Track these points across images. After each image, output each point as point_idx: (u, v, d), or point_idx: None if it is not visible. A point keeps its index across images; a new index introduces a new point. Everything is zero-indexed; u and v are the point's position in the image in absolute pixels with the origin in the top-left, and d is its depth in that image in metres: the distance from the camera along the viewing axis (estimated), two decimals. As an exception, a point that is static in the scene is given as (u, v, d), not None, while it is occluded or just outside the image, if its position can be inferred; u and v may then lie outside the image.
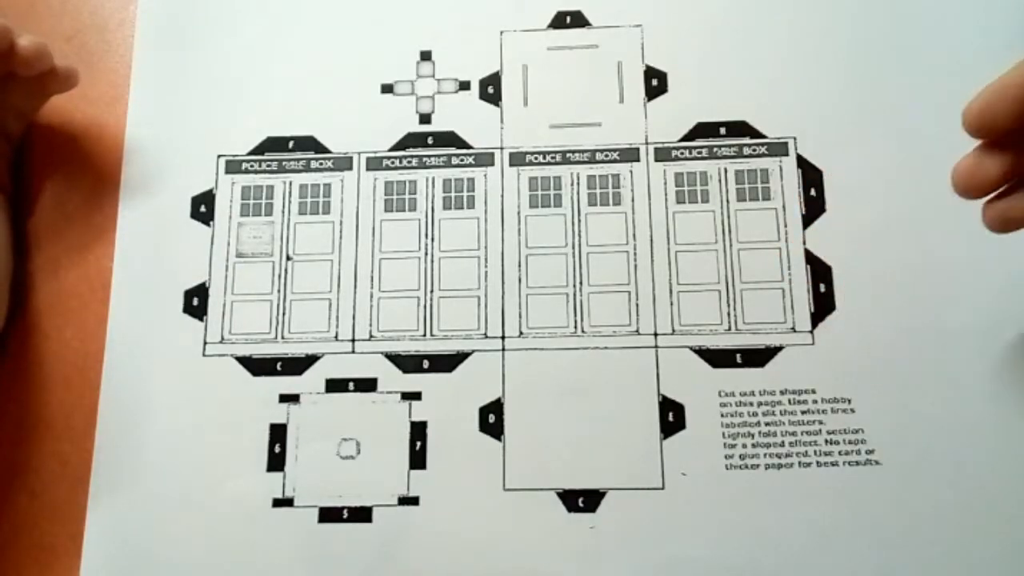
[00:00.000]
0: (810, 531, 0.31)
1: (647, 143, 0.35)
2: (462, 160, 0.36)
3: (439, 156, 0.36)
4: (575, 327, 0.34)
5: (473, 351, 0.34)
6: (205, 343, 0.34)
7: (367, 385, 0.34)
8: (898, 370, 0.32)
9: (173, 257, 0.35)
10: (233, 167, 0.36)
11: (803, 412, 0.32)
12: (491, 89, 0.36)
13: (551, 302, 0.34)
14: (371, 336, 0.34)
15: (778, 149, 0.35)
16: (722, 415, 0.32)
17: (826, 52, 0.36)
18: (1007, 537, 0.31)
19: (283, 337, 0.34)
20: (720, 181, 0.35)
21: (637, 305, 0.34)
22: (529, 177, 0.35)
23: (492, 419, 0.33)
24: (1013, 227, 0.27)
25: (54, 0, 0.38)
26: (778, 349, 0.33)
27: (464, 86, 0.37)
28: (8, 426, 0.34)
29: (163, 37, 0.38)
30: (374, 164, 0.36)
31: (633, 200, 0.35)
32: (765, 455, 0.32)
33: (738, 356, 0.33)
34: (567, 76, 0.36)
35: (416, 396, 0.33)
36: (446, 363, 0.34)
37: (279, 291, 0.35)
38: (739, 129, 0.35)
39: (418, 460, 0.33)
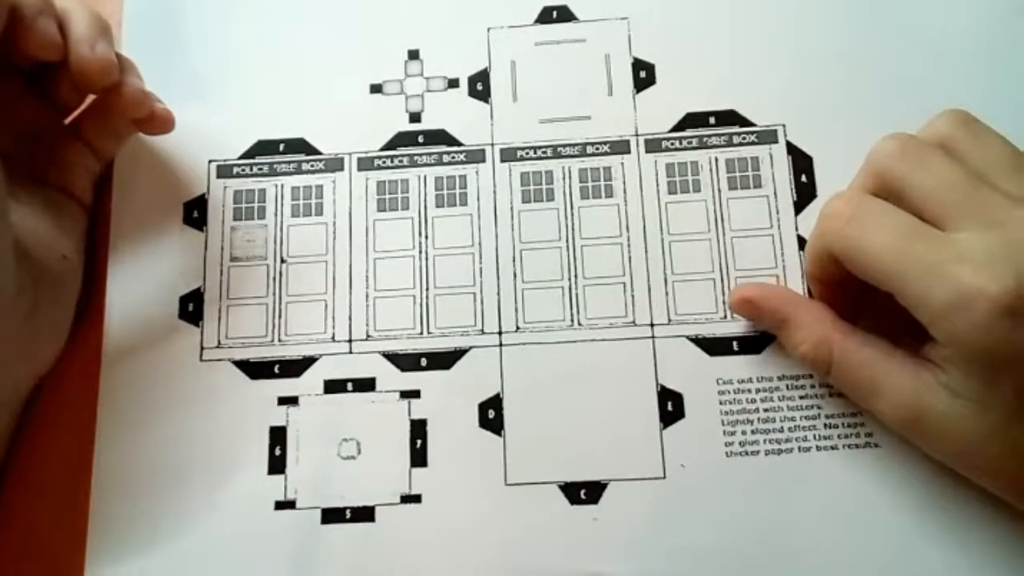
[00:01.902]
0: (811, 515, 0.31)
1: (637, 135, 0.36)
2: (453, 157, 0.36)
3: (430, 154, 0.36)
4: (571, 320, 0.34)
5: (471, 347, 0.34)
6: (202, 348, 0.34)
7: (365, 385, 0.34)
8: (894, 352, 0.32)
9: (167, 263, 0.35)
10: (224, 171, 0.36)
11: (801, 397, 0.32)
12: (480, 86, 0.37)
13: (547, 296, 0.34)
14: (368, 336, 0.34)
15: (768, 137, 0.35)
16: (721, 403, 0.33)
17: (813, 39, 0.36)
18: (1006, 520, 0.31)
19: (280, 340, 0.34)
20: (711, 170, 0.35)
21: (632, 296, 0.34)
22: (521, 172, 0.35)
23: (492, 414, 0.33)
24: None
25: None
26: (774, 335, 0.33)
27: (453, 84, 0.37)
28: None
29: (150, 43, 0.38)
30: (365, 164, 0.36)
31: (625, 192, 0.35)
32: (765, 441, 0.32)
33: (735, 344, 0.33)
34: (555, 71, 0.36)
35: (415, 394, 0.33)
36: (444, 360, 0.34)
37: (274, 294, 0.35)
38: (728, 118, 0.35)
39: (419, 458, 0.33)
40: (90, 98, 0.35)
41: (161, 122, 0.34)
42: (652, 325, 0.34)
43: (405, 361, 0.34)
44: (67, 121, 0.35)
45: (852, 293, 0.30)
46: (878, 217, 0.28)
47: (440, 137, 0.36)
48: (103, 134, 0.35)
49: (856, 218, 0.28)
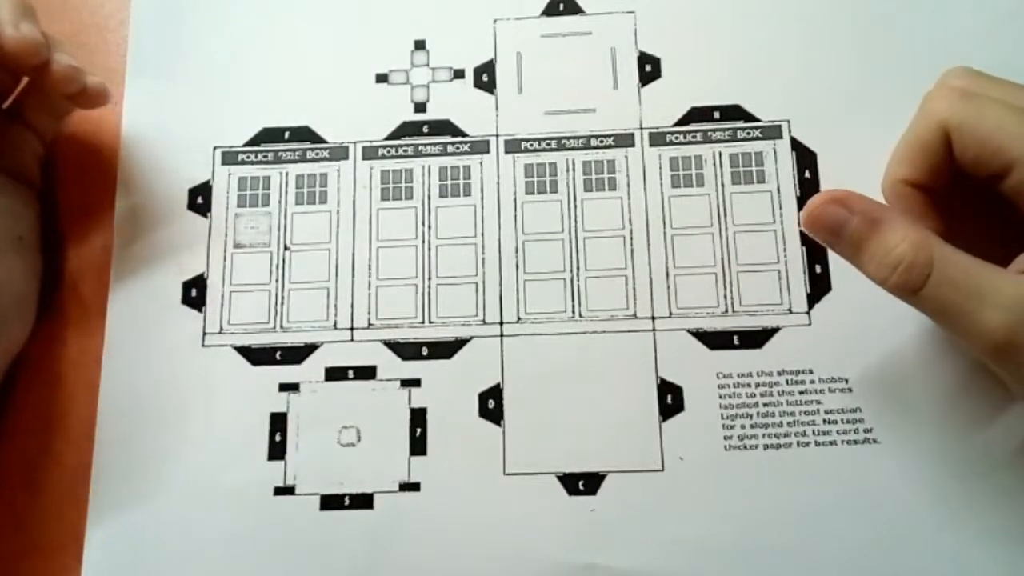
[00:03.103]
0: (809, 511, 0.31)
1: (642, 128, 0.36)
2: (458, 148, 0.36)
3: (435, 144, 0.36)
4: (573, 312, 0.34)
5: (472, 337, 0.34)
6: (204, 334, 0.34)
7: (366, 373, 0.34)
8: (895, 349, 0.32)
9: (171, 249, 0.35)
10: (229, 158, 0.36)
11: (800, 392, 0.32)
12: (485, 77, 0.37)
13: (549, 287, 0.34)
14: (370, 324, 0.34)
15: (772, 132, 0.35)
16: (720, 396, 0.33)
17: (819, 34, 0.36)
18: (1006, 514, 0.31)
19: (282, 327, 0.34)
20: (715, 165, 0.35)
21: (634, 289, 0.34)
22: (525, 164, 0.36)
23: (492, 404, 0.33)
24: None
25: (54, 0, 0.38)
26: (775, 330, 0.33)
27: (458, 74, 0.37)
28: (7, 424, 0.34)
29: (157, 30, 0.38)
30: (370, 153, 0.36)
31: (629, 185, 0.35)
32: (764, 435, 0.32)
33: (735, 338, 0.33)
34: (561, 63, 0.36)
35: (415, 383, 0.34)
36: (445, 350, 0.34)
37: (277, 281, 0.35)
38: (733, 113, 0.35)
39: (418, 446, 0.33)
40: (24, 81, 0.34)
41: (95, 96, 0.33)
42: (653, 318, 0.34)
43: (406, 350, 0.34)
44: (5, 106, 0.35)
45: (939, 204, 0.29)
46: (995, 89, 0.28)
47: (445, 127, 0.36)
48: (42, 114, 0.35)
49: (970, 92, 0.28)
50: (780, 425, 0.32)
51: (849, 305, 0.33)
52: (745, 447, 0.32)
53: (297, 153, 0.36)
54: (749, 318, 0.33)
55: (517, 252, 0.35)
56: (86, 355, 0.34)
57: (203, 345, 0.34)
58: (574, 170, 0.35)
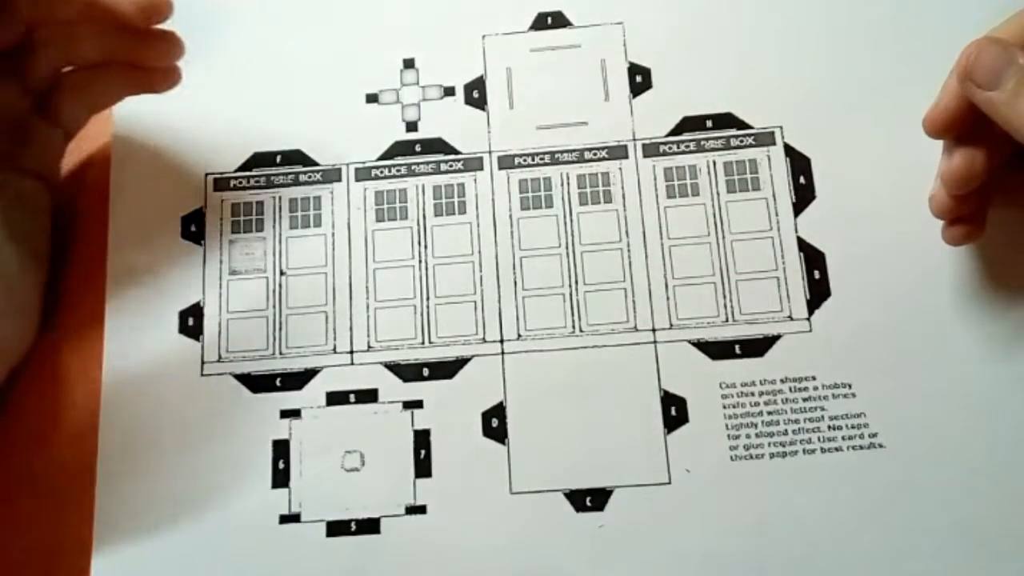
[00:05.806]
0: (817, 517, 0.31)
1: (635, 139, 0.35)
2: (451, 166, 0.36)
3: (428, 163, 0.36)
4: (573, 327, 0.34)
5: (472, 356, 0.34)
6: (203, 362, 0.34)
7: (368, 396, 0.34)
8: (897, 352, 0.32)
9: (166, 278, 0.35)
10: (222, 185, 0.36)
11: (804, 399, 0.32)
12: (476, 93, 0.36)
13: (548, 303, 0.34)
14: (369, 347, 0.34)
15: (765, 139, 0.35)
16: (724, 406, 0.32)
17: (809, 39, 0.36)
18: (1014, 514, 0.31)
19: (281, 352, 0.34)
20: (709, 174, 0.35)
21: (634, 301, 0.34)
22: (519, 179, 0.35)
23: (495, 423, 0.33)
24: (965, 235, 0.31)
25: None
26: (776, 338, 0.33)
27: (449, 92, 0.37)
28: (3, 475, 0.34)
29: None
30: (363, 174, 0.36)
31: (624, 197, 0.35)
32: (769, 444, 0.32)
33: (737, 347, 0.33)
34: (551, 77, 0.36)
35: (418, 404, 0.33)
36: (446, 370, 0.34)
37: (274, 306, 0.35)
38: (725, 121, 0.35)
39: (423, 468, 0.33)
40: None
41: (175, 76, 0.33)
42: (654, 330, 0.33)
43: (407, 371, 0.34)
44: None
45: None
46: None
47: (437, 146, 0.36)
48: (76, 106, 0.34)
49: None
50: (785, 433, 0.32)
51: (849, 309, 0.33)
52: (751, 456, 0.32)
53: (289, 177, 0.36)
54: (750, 326, 0.33)
55: (515, 268, 0.34)
56: (85, 388, 0.34)
57: (202, 374, 0.34)
58: (568, 184, 0.35)
